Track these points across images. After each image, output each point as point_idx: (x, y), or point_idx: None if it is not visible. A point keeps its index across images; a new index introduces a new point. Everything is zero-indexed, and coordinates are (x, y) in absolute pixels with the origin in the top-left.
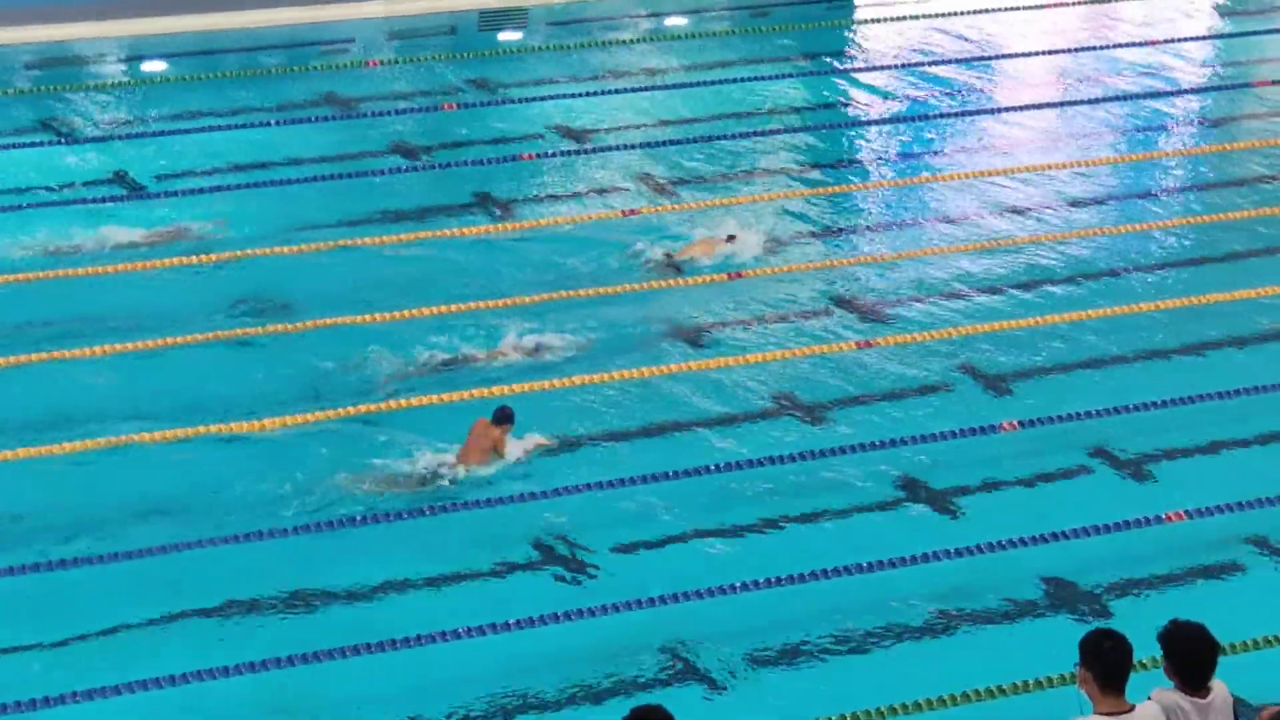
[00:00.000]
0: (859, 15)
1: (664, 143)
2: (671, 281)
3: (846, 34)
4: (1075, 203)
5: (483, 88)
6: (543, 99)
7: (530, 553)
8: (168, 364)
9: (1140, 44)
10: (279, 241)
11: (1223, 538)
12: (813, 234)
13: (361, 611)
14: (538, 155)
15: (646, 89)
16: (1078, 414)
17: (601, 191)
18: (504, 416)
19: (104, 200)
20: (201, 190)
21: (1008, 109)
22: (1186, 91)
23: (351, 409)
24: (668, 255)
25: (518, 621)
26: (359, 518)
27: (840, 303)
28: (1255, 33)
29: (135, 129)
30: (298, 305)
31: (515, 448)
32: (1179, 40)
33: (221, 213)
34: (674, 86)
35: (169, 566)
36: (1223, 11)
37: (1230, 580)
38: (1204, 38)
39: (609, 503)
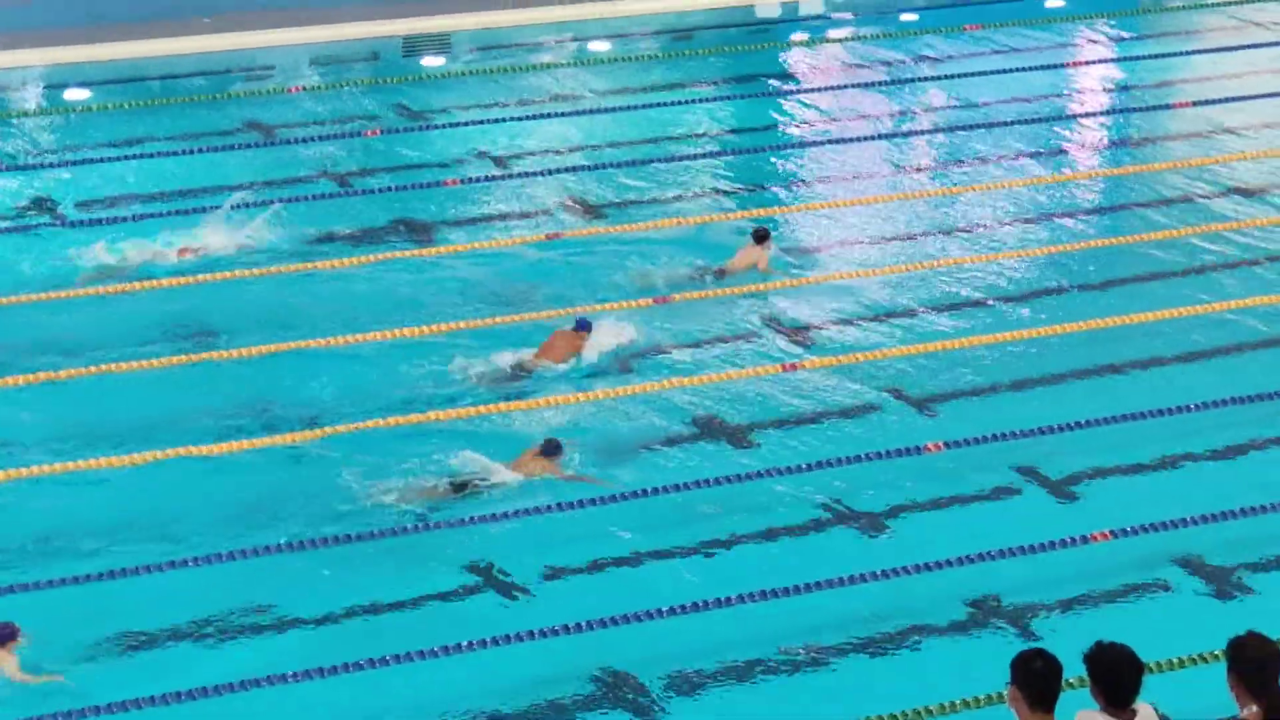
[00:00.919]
0: (781, 39)
1: (588, 167)
2: (598, 306)
3: (769, 58)
4: (999, 225)
5: (406, 113)
6: (466, 124)
7: (463, 578)
8: (105, 390)
9: (1060, 66)
10: (204, 268)
11: (1147, 557)
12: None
13: (292, 639)
14: (462, 180)
15: (570, 113)
16: (1002, 435)
17: (525, 215)
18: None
19: (27, 229)
20: (125, 219)
21: (931, 131)
22: (1107, 113)
23: (297, 434)
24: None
25: (446, 647)
26: (277, 545)
27: (766, 325)
28: (1176, 54)
29: (58, 157)
30: (226, 330)
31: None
32: (1100, 62)
33: (145, 240)
34: (597, 111)
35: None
36: (1143, 33)
37: (1156, 600)
38: (1125, 59)
39: (540, 527)
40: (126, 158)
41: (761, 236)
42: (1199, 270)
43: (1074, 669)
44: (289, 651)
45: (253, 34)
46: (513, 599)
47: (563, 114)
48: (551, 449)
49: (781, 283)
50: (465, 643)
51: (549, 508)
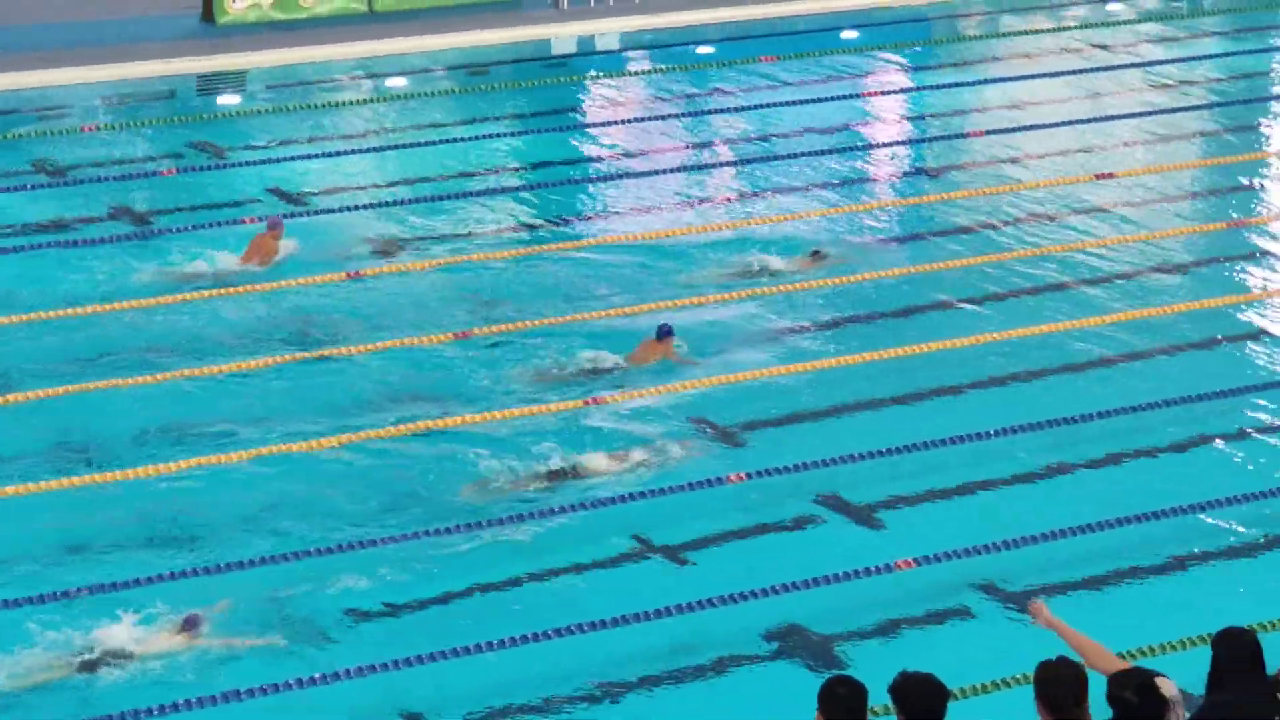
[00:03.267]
0: (578, 73)
1: (387, 203)
2: (399, 341)
3: (566, 92)
4: (798, 255)
5: (203, 151)
6: (264, 162)
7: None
8: None
9: (857, 96)
10: None
11: (951, 584)
12: (537, 291)
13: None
14: (260, 219)
15: (368, 150)
16: (805, 464)
17: (326, 254)
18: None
19: None
20: None
21: (728, 163)
22: (904, 143)
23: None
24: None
25: (251, 690)
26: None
27: (567, 359)
28: (971, 83)
29: None
30: (21, 373)
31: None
32: (896, 92)
33: None
34: (395, 147)
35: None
36: (938, 63)
37: (960, 626)
38: (921, 89)
39: (343, 567)
40: None
41: (665, 333)
42: (995, 298)
43: (882, 697)
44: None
45: (44, 72)
46: (315, 644)
47: (361, 151)
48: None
49: (581, 315)
50: (272, 684)
51: (344, 546)
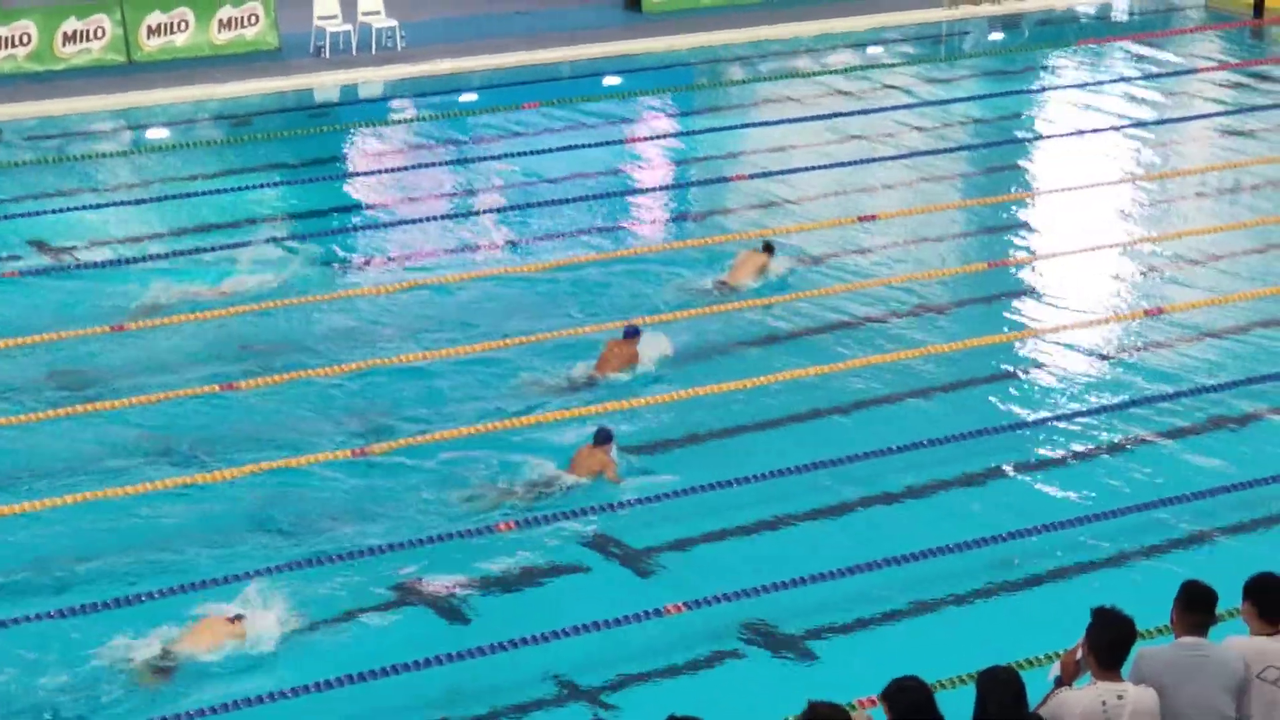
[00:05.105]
0: (342, 121)
1: (150, 256)
2: (155, 396)
3: (331, 141)
4: (564, 301)
5: None
6: (22, 215)
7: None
8: None
9: (621, 142)
10: None
11: (722, 627)
12: (302, 344)
13: None
14: (20, 273)
15: (130, 202)
16: (574, 511)
17: (85, 309)
18: (604, 437)
19: None
20: None
21: (489, 211)
22: (669, 187)
23: None
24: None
25: None
26: None
27: (336, 409)
28: (735, 127)
29: None
30: None
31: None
32: (660, 136)
33: None
34: (158, 199)
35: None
36: (702, 108)
37: (730, 668)
38: (685, 134)
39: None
40: None
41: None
42: (762, 341)
43: None
44: None
45: None
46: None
47: (123, 202)
48: (603, 438)
49: (354, 364)
50: None
51: (187, 586)
